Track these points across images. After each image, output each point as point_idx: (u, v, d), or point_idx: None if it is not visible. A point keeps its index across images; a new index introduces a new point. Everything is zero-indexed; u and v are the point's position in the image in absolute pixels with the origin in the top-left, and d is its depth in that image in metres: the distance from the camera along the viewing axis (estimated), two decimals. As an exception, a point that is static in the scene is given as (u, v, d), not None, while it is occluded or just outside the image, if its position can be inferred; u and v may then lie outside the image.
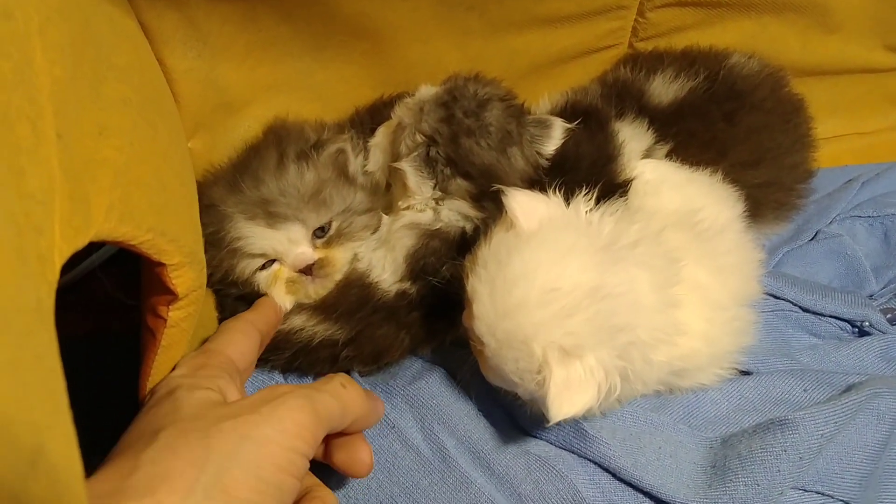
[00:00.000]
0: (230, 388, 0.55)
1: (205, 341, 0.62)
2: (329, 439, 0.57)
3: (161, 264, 0.51)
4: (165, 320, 0.55)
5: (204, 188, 0.71)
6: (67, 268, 0.83)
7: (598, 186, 0.64)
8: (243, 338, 0.63)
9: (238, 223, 0.68)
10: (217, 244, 0.68)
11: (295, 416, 0.49)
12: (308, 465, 0.50)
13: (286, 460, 0.47)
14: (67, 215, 0.38)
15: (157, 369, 0.57)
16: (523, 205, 0.60)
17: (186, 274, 0.53)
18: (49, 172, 0.37)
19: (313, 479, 0.57)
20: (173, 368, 0.57)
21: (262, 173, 0.69)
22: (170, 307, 0.55)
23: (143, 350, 0.58)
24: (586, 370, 0.54)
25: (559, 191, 0.63)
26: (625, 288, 0.56)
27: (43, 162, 0.36)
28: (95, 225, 0.42)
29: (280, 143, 0.72)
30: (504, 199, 0.61)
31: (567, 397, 0.53)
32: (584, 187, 0.63)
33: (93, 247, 0.45)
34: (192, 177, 0.64)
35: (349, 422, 0.55)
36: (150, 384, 0.57)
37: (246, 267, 0.70)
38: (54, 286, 0.34)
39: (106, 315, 0.85)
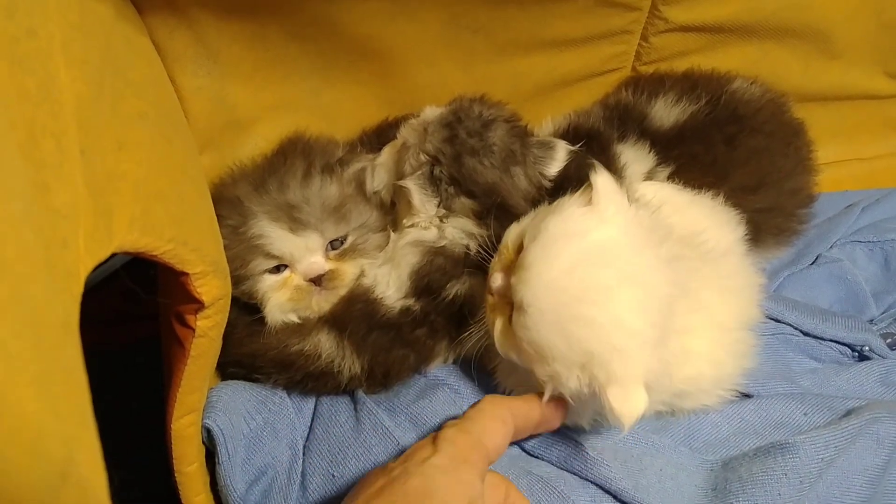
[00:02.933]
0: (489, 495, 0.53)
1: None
2: None
3: (185, 274, 0.52)
4: (194, 330, 0.56)
5: (228, 184, 0.73)
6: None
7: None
8: (501, 427, 0.57)
9: (262, 222, 0.69)
10: (237, 238, 0.69)
11: None
12: None
13: None
14: (91, 229, 0.39)
15: (188, 379, 0.57)
16: (608, 188, 0.59)
17: (211, 282, 0.54)
18: (73, 187, 0.37)
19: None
20: (428, 450, 0.53)
21: (289, 180, 0.71)
22: (197, 316, 0.55)
23: (170, 361, 0.58)
24: (636, 381, 0.54)
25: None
26: (668, 324, 0.56)
27: (67, 177, 0.37)
28: (118, 237, 0.43)
29: (308, 154, 0.74)
30: (591, 176, 0.59)
31: (632, 406, 0.53)
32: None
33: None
34: (207, 188, 0.65)
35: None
36: (180, 394, 0.57)
37: (257, 266, 0.71)
38: (79, 299, 0.35)
39: (110, 329, 0.85)
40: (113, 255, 0.87)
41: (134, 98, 0.51)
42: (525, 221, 0.64)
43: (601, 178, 0.59)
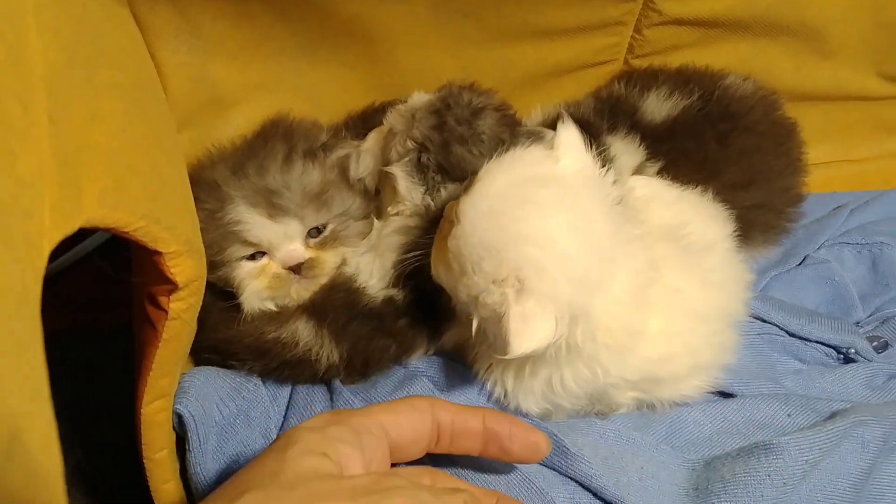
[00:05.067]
0: (353, 458, 0.48)
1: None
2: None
3: (158, 253, 0.50)
4: (167, 312, 0.54)
5: (206, 166, 0.71)
6: (57, 254, 0.82)
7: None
8: (412, 412, 0.53)
9: (239, 207, 0.67)
10: (213, 223, 0.67)
11: None
12: None
13: None
14: (58, 201, 0.37)
15: (160, 362, 0.56)
16: (571, 140, 0.61)
17: (185, 263, 0.52)
18: (39, 156, 0.36)
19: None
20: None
21: (269, 164, 0.69)
22: (170, 298, 0.53)
23: (142, 343, 0.56)
24: (540, 307, 0.54)
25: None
26: (604, 277, 0.57)
27: (34, 145, 0.35)
28: (87, 211, 0.41)
29: (290, 138, 0.71)
30: (559, 126, 0.62)
31: (528, 332, 0.54)
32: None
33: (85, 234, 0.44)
34: (184, 166, 0.63)
35: None
36: (151, 378, 0.56)
37: (235, 252, 0.69)
38: (42, 272, 0.33)
39: (86, 311, 0.84)
40: (87, 237, 0.85)
41: (110, 69, 0.49)
42: None
43: (566, 130, 0.61)
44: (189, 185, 0.63)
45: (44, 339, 0.31)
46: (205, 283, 0.57)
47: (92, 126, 0.44)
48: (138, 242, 0.48)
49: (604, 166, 0.63)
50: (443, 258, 0.61)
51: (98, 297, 0.85)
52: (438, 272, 0.62)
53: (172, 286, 0.53)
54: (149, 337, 0.56)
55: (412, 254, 0.66)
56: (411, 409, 0.53)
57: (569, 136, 0.61)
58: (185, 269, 0.52)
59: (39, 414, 0.29)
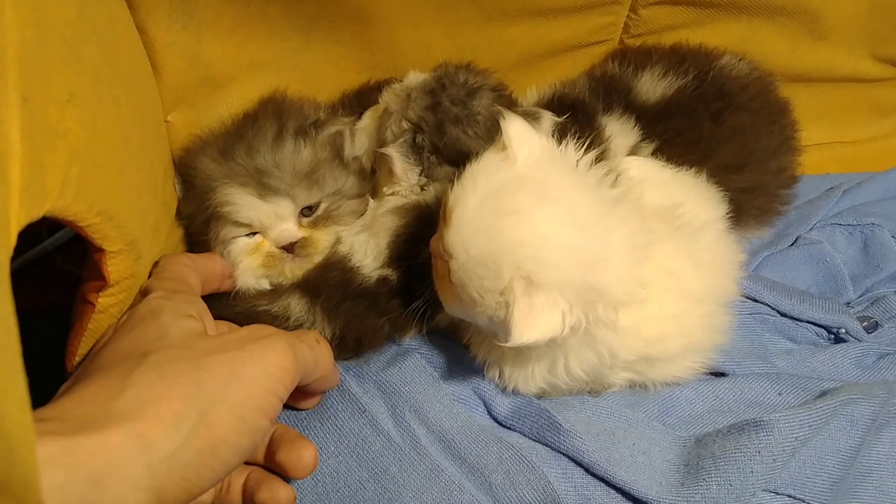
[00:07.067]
0: (207, 317, 0.57)
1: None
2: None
3: (101, 250, 0.50)
4: (94, 305, 0.54)
5: (195, 150, 0.71)
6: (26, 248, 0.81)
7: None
8: (192, 273, 0.63)
9: (228, 188, 0.67)
10: (204, 206, 0.67)
11: (279, 360, 0.50)
12: (281, 409, 0.51)
13: (267, 403, 0.49)
14: (26, 183, 0.37)
15: (83, 352, 0.56)
16: (519, 132, 0.60)
17: (123, 262, 0.53)
18: (6, 134, 0.35)
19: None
20: (144, 290, 0.57)
21: (259, 143, 0.68)
22: (100, 293, 0.54)
23: (70, 329, 0.57)
24: (550, 300, 0.54)
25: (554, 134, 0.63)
26: (603, 250, 0.57)
27: (3, 122, 0.35)
28: (50, 198, 0.41)
29: (280, 116, 0.71)
30: (501, 122, 0.60)
31: (531, 322, 0.54)
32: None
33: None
34: (149, 162, 0.62)
35: (317, 377, 0.57)
36: (74, 364, 0.56)
37: (228, 233, 0.69)
38: (10, 250, 0.33)
39: (66, 292, 0.84)
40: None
41: (89, 49, 0.48)
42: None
43: (510, 124, 0.60)
44: (151, 182, 0.63)
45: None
46: (138, 281, 0.58)
47: (66, 110, 0.44)
48: (87, 238, 0.49)
49: (555, 136, 0.63)
50: (451, 295, 0.61)
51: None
52: (453, 309, 0.63)
53: (103, 283, 0.53)
54: (75, 326, 0.56)
55: (416, 304, 0.67)
56: (191, 270, 0.63)
57: (515, 128, 0.60)
58: (121, 268, 0.53)
59: (14, 389, 0.29)
